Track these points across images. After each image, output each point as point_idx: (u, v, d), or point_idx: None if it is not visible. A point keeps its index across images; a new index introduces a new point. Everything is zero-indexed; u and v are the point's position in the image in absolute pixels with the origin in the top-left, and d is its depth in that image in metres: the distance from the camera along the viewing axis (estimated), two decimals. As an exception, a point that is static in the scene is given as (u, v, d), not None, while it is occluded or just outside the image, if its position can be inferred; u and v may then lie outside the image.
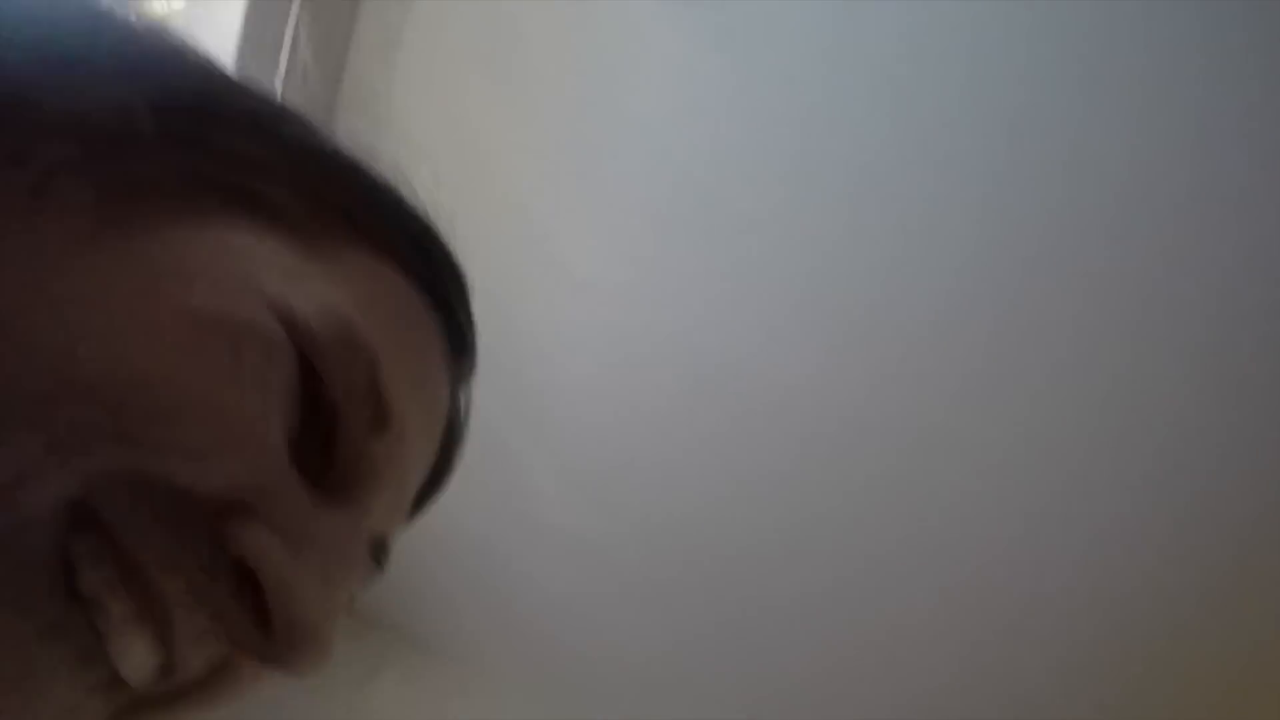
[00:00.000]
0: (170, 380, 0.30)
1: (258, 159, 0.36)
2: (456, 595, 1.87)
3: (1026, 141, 1.47)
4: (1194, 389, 1.43)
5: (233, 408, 0.31)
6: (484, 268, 1.78)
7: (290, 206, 0.35)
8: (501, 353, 1.71)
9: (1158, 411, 1.46)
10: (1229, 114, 1.35)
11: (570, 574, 1.79)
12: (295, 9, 1.66)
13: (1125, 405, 1.47)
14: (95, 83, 0.33)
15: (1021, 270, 1.49)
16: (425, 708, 1.92)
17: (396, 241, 0.39)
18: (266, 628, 0.30)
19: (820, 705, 1.73)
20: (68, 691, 0.28)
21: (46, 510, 0.28)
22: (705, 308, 1.66)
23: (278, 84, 1.65)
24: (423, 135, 1.81)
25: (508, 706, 1.91)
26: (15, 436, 0.27)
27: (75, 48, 0.34)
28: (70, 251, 0.30)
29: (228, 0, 1.63)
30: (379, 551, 0.37)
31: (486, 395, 1.92)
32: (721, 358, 1.65)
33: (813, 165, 1.59)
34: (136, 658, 0.29)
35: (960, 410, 1.55)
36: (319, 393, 0.33)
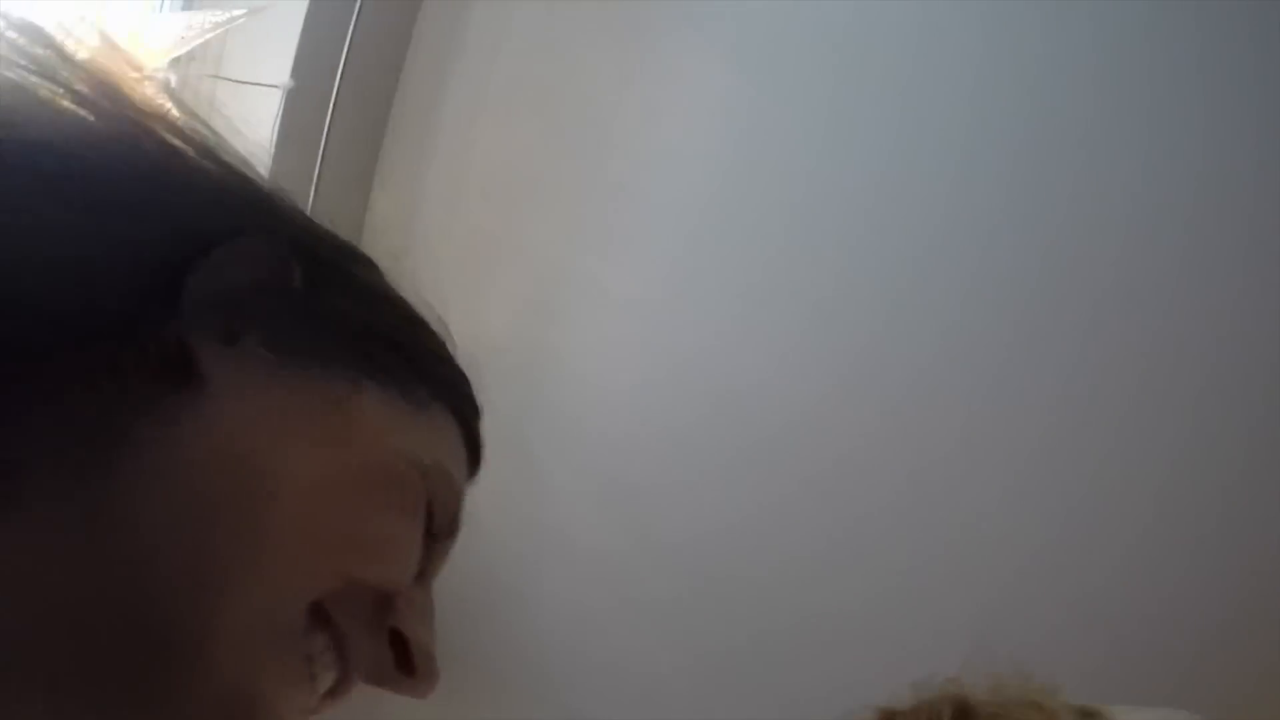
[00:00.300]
0: (377, 532, 0.42)
1: (377, 326, 0.45)
2: (475, 609, 1.87)
3: (1041, 156, 1.49)
4: (1207, 407, 1.43)
5: (404, 536, 0.44)
6: (521, 288, 1.80)
7: (399, 370, 0.45)
8: (533, 368, 1.74)
9: (1173, 426, 1.45)
10: (1242, 121, 1.37)
11: (588, 588, 1.80)
12: (349, 37, 1.67)
13: (1139, 422, 1.47)
14: (259, 238, 0.41)
15: (1036, 285, 1.49)
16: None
17: (453, 391, 0.48)
18: (408, 668, 0.45)
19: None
20: (301, 695, 0.41)
21: (302, 613, 0.40)
22: (730, 329, 1.69)
23: (330, 105, 1.66)
24: (469, 167, 1.84)
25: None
26: (284, 581, 0.39)
27: (244, 206, 0.43)
28: (266, 417, 0.40)
29: (291, 5, 1.65)
30: None
31: (517, 409, 1.93)
32: (745, 377, 1.67)
33: (834, 193, 1.61)
34: (326, 684, 0.43)
35: (978, 430, 1.55)
36: (429, 517, 0.45)
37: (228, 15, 1.45)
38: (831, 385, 1.63)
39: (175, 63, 1.44)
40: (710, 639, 1.76)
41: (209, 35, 1.41)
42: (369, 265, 0.47)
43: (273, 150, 1.60)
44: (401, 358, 0.45)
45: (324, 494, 0.40)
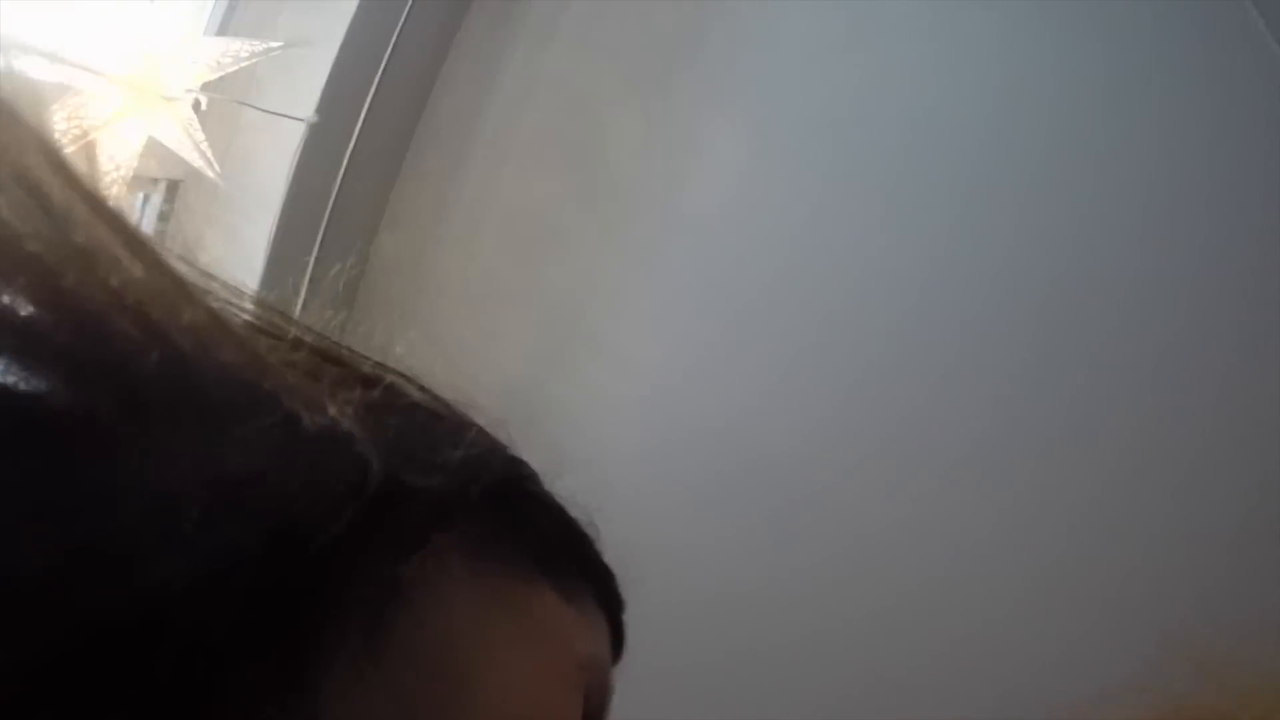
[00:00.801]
0: (548, 713, 0.43)
1: (544, 530, 0.48)
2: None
3: (1048, 202, 1.55)
4: (1225, 426, 1.46)
5: None
6: (528, 340, 1.82)
7: (564, 570, 0.47)
8: (533, 422, 1.76)
9: (1187, 446, 1.48)
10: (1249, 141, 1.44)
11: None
12: (377, 80, 1.72)
13: (1150, 444, 1.50)
14: (443, 462, 0.43)
15: (1045, 309, 1.55)
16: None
17: (603, 588, 0.51)
18: None
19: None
20: None
21: None
22: (744, 398, 1.72)
23: (351, 143, 1.70)
24: (485, 216, 1.88)
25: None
26: None
27: (438, 439, 0.44)
28: (467, 620, 0.41)
29: (325, 42, 1.70)
30: None
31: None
32: (760, 448, 1.69)
33: (854, 264, 1.66)
34: None
35: (985, 454, 1.58)
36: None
37: (265, 46, 1.49)
38: (855, 460, 1.65)
39: (206, 86, 1.49)
40: (725, 711, 1.77)
41: (244, 64, 1.46)
42: (532, 476, 0.50)
43: (290, 181, 1.65)
44: (565, 558, 0.48)
45: (513, 688, 0.42)
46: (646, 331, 1.78)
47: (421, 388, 0.48)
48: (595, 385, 1.77)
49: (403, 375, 0.47)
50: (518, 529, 0.45)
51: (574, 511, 0.51)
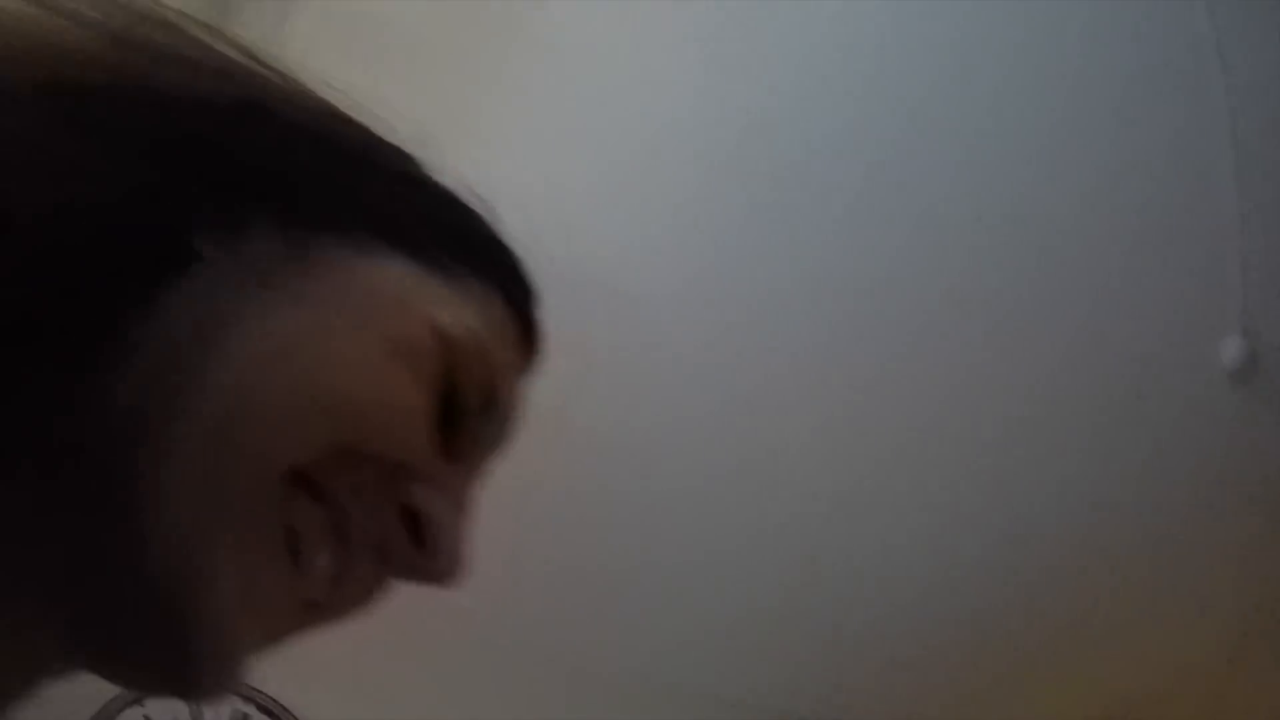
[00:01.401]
0: (372, 398, 0.41)
1: (400, 202, 0.46)
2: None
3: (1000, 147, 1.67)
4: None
5: (410, 406, 0.43)
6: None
7: (427, 241, 0.45)
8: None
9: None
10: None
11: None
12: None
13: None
14: (262, 134, 0.42)
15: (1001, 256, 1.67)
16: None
17: (495, 269, 0.48)
18: (425, 551, 0.44)
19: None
20: (274, 575, 0.41)
21: (280, 475, 0.40)
22: (620, 242, 1.70)
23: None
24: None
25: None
26: (266, 446, 0.39)
27: (256, 106, 0.43)
28: (272, 296, 0.40)
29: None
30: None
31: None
32: (634, 291, 1.66)
33: (740, 105, 1.69)
34: (320, 565, 0.42)
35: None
36: (452, 387, 0.44)
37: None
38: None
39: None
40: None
41: None
42: (397, 153, 0.48)
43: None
44: (427, 233, 0.45)
45: (297, 356, 0.40)
46: (516, 162, 1.72)
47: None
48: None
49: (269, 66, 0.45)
50: (355, 200, 0.44)
51: (456, 191, 0.48)
